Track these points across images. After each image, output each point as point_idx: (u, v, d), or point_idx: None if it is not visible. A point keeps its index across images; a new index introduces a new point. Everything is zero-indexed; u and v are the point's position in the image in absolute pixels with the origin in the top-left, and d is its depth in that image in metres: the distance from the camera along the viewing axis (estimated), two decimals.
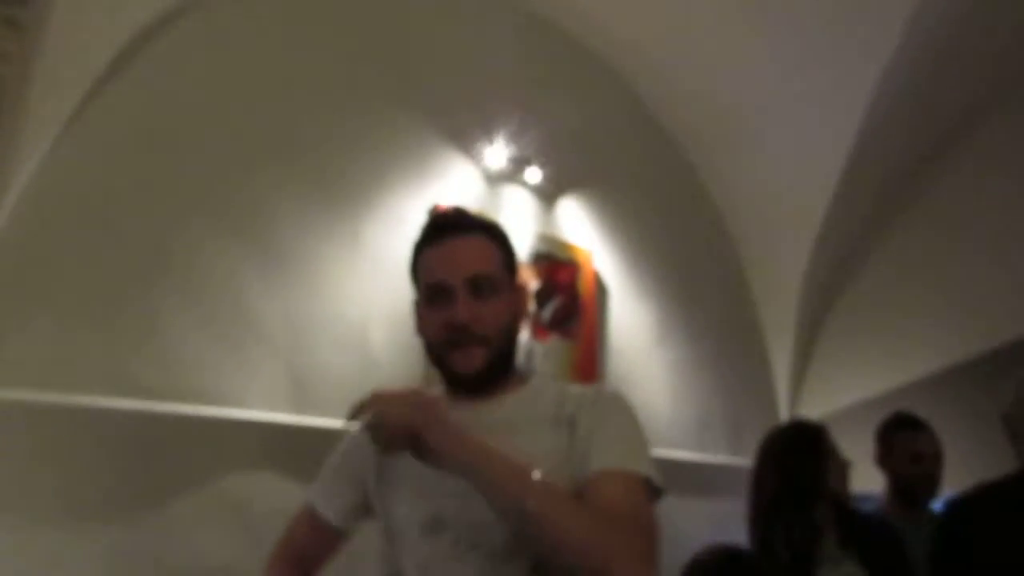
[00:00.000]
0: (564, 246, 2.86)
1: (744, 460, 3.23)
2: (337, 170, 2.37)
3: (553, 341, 2.71)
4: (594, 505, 0.94)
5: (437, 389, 1.18)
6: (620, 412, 1.08)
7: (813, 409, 3.30)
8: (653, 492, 1.01)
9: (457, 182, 2.66)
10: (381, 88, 2.53)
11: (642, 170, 3.33)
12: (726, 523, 2.82)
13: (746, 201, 3.42)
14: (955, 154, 3.05)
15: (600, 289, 2.97)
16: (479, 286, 1.09)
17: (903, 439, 2.27)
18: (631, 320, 3.08)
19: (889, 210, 3.26)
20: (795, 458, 1.87)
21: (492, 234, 1.16)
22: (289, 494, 2.01)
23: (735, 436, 3.27)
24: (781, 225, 3.33)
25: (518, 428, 1.06)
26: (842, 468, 1.87)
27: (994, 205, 2.90)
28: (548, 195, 2.91)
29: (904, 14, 2.51)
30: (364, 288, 2.34)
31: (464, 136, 2.70)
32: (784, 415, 3.42)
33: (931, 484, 2.20)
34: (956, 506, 1.75)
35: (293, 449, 2.03)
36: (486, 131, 2.73)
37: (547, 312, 2.72)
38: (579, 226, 3.00)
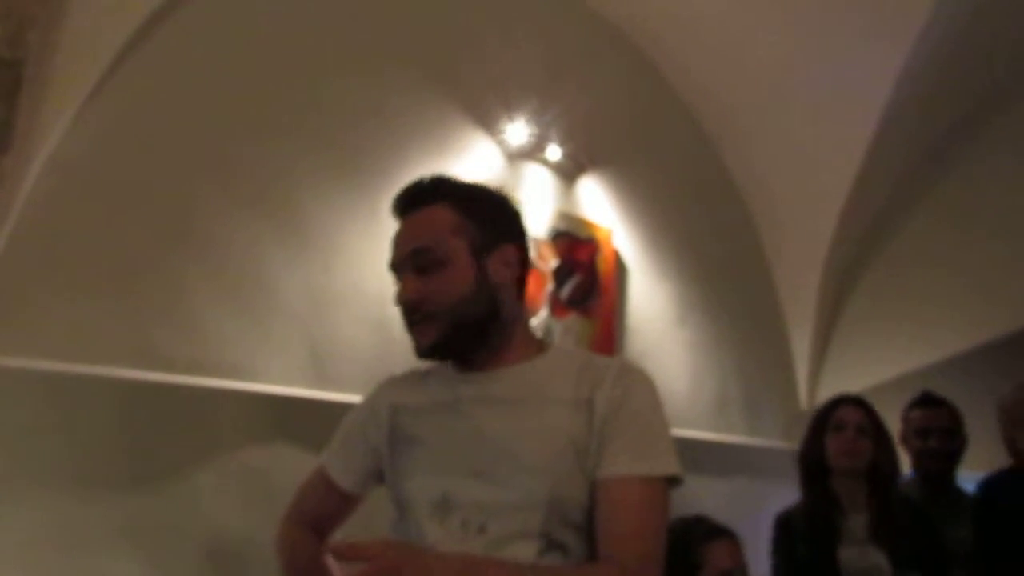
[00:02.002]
0: (584, 224, 2.85)
1: (762, 440, 3.23)
2: (358, 144, 2.36)
3: (571, 319, 2.71)
4: (607, 532, 0.95)
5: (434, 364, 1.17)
6: (639, 395, 1.03)
7: (833, 391, 3.28)
8: (672, 482, 1.00)
9: (477, 158, 2.65)
10: (404, 63, 2.52)
11: (664, 149, 3.29)
12: (743, 503, 2.83)
13: (768, 181, 3.38)
14: (978, 138, 3.02)
15: (620, 268, 2.95)
16: (420, 262, 1.07)
17: (914, 416, 2.28)
18: (650, 299, 3.06)
19: (911, 192, 3.22)
20: (808, 434, 1.93)
21: (450, 200, 1.11)
22: (308, 467, 2.03)
23: (753, 417, 3.25)
24: (803, 206, 3.30)
25: (525, 402, 1.04)
26: (839, 444, 1.86)
27: (1018, 188, 2.86)
28: (568, 173, 2.89)
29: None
30: (383, 263, 2.33)
31: (485, 113, 2.68)
32: (803, 396, 3.40)
33: (939, 459, 2.18)
34: (994, 482, 1.76)
35: (312, 423, 2.03)
36: (507, 108, 2.71)
37: (566, 290, 2.71)
38: (599, 204, 2.98)
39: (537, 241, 2.69)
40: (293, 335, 2.13)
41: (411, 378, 1.20)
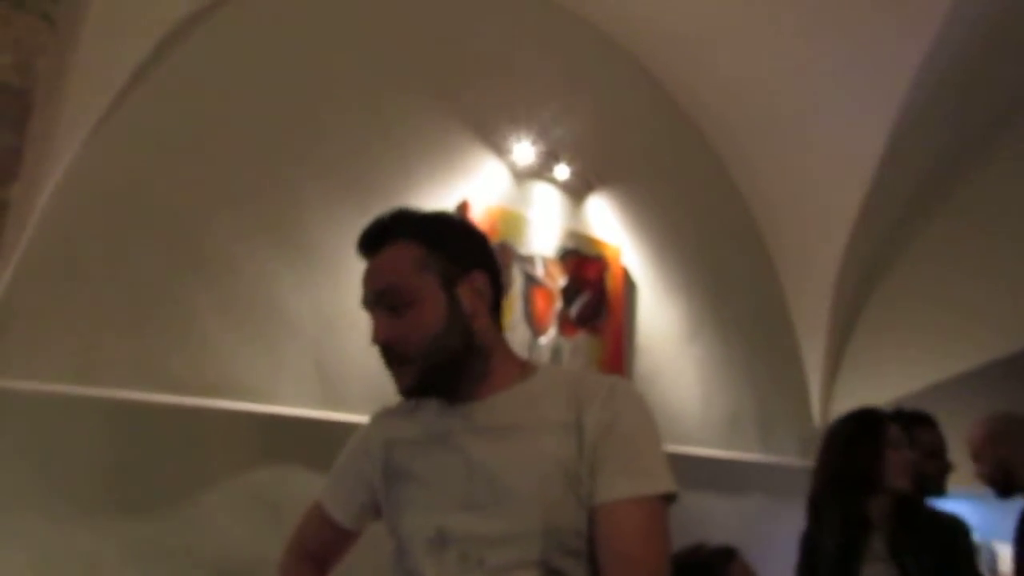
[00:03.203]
0: (592, 242, 2.85)
1: (775, 458, 3.20)
2: (366, 166, 2.37)
3: (580, 337, 2.70)
4: (612, 556, 0.94)
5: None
6: (629, 416, 1.01)
7: (847, 407, 3.25)
8: (669, 498, 0.98)
9: (485, 178, 2.66)
10: (411, 83, 2.54)
11: (672, 166, 3.29)
12: (757, 520, 2.80)
13: (778, 196, 3.37)
14: (992, 148, 3.00)
15: (629, 285, 2.95)
16: (389, 302, 1.06)
17: (925, 437, 2.23)
18: (660, 316, 3.05)
19: (925, 204, 3.20)
20: (852, 447, 1.84)
21: (413, 234, 1.10)
22: (317, 489, 2.03)
23: (766, 434, 3.23)
24: (814, 220, 3.28)
25: (513, 430, 1.03)
26: (906, 462, 1.81)
27: None
28: (577, 191, 2.89)
29: (944, 6, 2.46)
30: None
31: (493, 132, 2.70)
32: (817, 413, 3.37)
33: (943, 479, 2.14)
34: None
35: (322, 444, 2.04)
36: (515, 127, 2.72)
37: (575, 308, 2.71)
38: (608, 222, 2.98)
39: (546, 260, 2.68)
40: (303, 357, 2.13)
41: (403, 409, 1.18)
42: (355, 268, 2.34)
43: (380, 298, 1.07)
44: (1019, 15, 2.48)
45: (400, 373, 1.06)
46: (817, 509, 1.85)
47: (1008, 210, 2.92)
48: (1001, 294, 2.85)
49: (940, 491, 2.18)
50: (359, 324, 2.26)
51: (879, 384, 3.17)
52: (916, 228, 3.25)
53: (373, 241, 1.12)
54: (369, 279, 1.10)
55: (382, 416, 1.23)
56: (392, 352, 1.06)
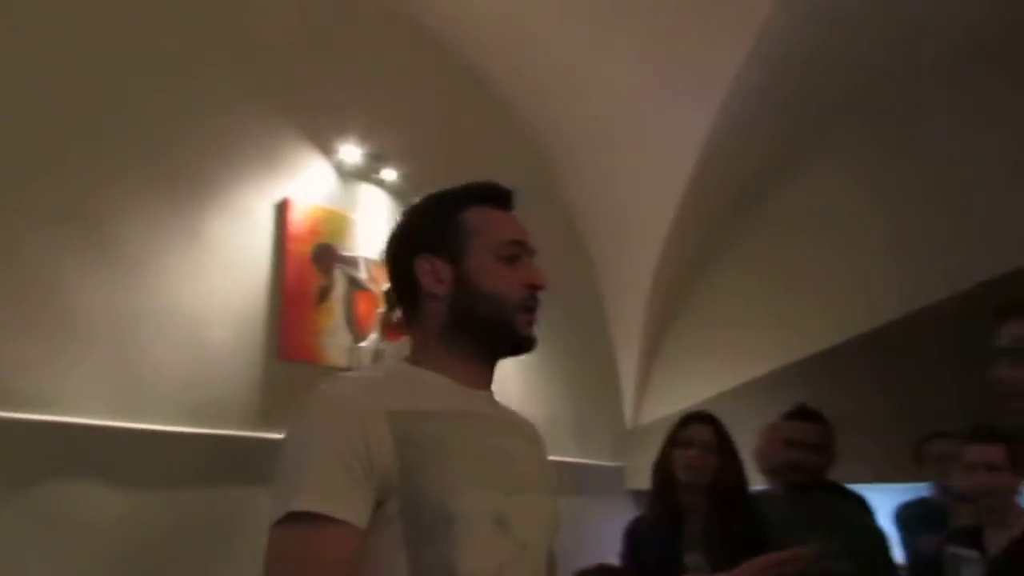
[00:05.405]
0: None
1: (593, 460, 3.33)
2: (180, 159, 2.23)
3: (405, 342, 2.67)
4: None
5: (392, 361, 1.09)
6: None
7: (656, 411, 3.44)
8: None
9: (309, 177, 2.57)
10: (231, 77, 2.41)
11: (500, 174, 3.30)
12: (574, 520, 2.87)
13: (601, 206, 3.51)
14: (801, 162, 3.19)
15: None
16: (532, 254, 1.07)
17: (784, 427, 2.33)
18: None
19: (737, 216, 3.40)
20: (661, 447, 1.99)
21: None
22: (118, 503, 1.88)
23: (583, 437, 3.34)
24: (634, 230, 3.44)
25: (515, 428, 1.03)
26: (687, 459, 1.93)
27: (813, 238, 3.09)
28: (405, 195, 2.86)
29: (756, 26, 2.64)
30: (202, 283, 2.21)
31: (319, 131, 2.62)
32: (629, 417, 3.54)
33: (800, 471, 2.26)
34: None
35: (120, 455, 1.88)
36: (342, 127, 2.66)
37: (397, 313, 2.68)
38: None
39: (370, 263, 2.64)
40: (101, 362, 1.96)
41: (385, 384, 0.97)
42: (164, 267, 2.21)
43: (532, 249, 1.05)
44: (830, 33, 2.71)
45: (536, 321, 1.03)
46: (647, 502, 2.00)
47: (815, 221, 3.12)
48: (807, 300, 3.06)
49: (795, 480, 2.29)
50: (164, 324, 2.11)
51: (684, 390, 3.36)
52: (728, 239, 3.47)
53: (511, 199, 1.10)
54: (520, 229, 1.06)
55: (363, 392, 0.93)
56: (537, 301, 1.03)
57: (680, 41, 2.80)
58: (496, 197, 1.08)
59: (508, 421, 1.02)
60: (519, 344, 1.01)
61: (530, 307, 1.01)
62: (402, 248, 1.02)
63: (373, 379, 0.97)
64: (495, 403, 1.02)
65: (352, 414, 0.88)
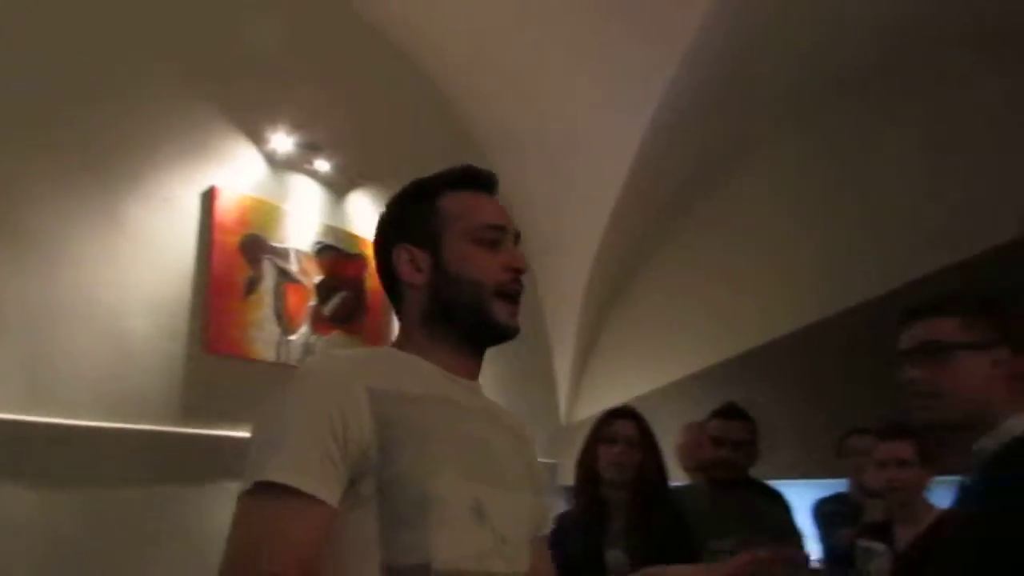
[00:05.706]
0: (353, 239, 2.79)
1: None
2: (102, 145, 2.15)
3: (335, 336, 2.63)
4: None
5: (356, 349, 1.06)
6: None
7: (590, 408, 3.47)
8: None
9: (238, 166, 2.51)
10: (158, 63, 2.33)
11: (438, 167, 3.30)
12: None
13: (541, 205, 3.51)
14: (732, 168, 3.28)
15: None
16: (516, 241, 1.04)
17: (711, 425, 2.36)
18: None
19: (671, 218, 3.47)
20: (584, 443, 2.00)
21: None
22: (27, 501, 1.80)
23: None
24: (570, 230, 3.47)
25: (499, 422, 1.01)
26: (621, 455, 1.95)
27: (742, 239, 3.18)
28: (338, 187, 2.82)
29: (685, 40, 2.69)
30: (123, 272, 2.13)
31: (249, 119, 2.55)
32: (564, 413, 3.57)
33: (725, 467, 2.31)
34: None
35: (33, 451, 1.80)
36: (273, 116, 2.60)
37: (330, 306, 2.64)
38: (372, 220, 2.92)
39: (301, 254, 2.59)
40: (9, 352, 1.87)
41: (370, 363, 0.96)
42: (81, 256, 2.13)
43: (516, 237, 1.02)
44: (756, 49, 2.77)
45: (517, 309, 1.00)
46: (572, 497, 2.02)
47: (743, 226, 3.22)
48: (734, 301, 3.15)
49: (719, 477, 2.34)
50: (80, 315, 2.03)
51: (618, 387, 3.41)
52: (660, 241, 3.54)
53: (494, 185, 1.06)
54: (504, 214, 1.02)
55: (346, 368, 0.92)
56: (520, 284, 1.00)
57: (614, 51, 2.84)
58: (476, 181, 1.06)
59: (493, 413, 1.01)
60: (497, 331, 0.99)
61: (510, 292, 0.99)
62: (382, 239, 1.01)
63: (358, 358, 0.97)
64: (481, 395, 1.01)
65: (333, 390, 0.87)
